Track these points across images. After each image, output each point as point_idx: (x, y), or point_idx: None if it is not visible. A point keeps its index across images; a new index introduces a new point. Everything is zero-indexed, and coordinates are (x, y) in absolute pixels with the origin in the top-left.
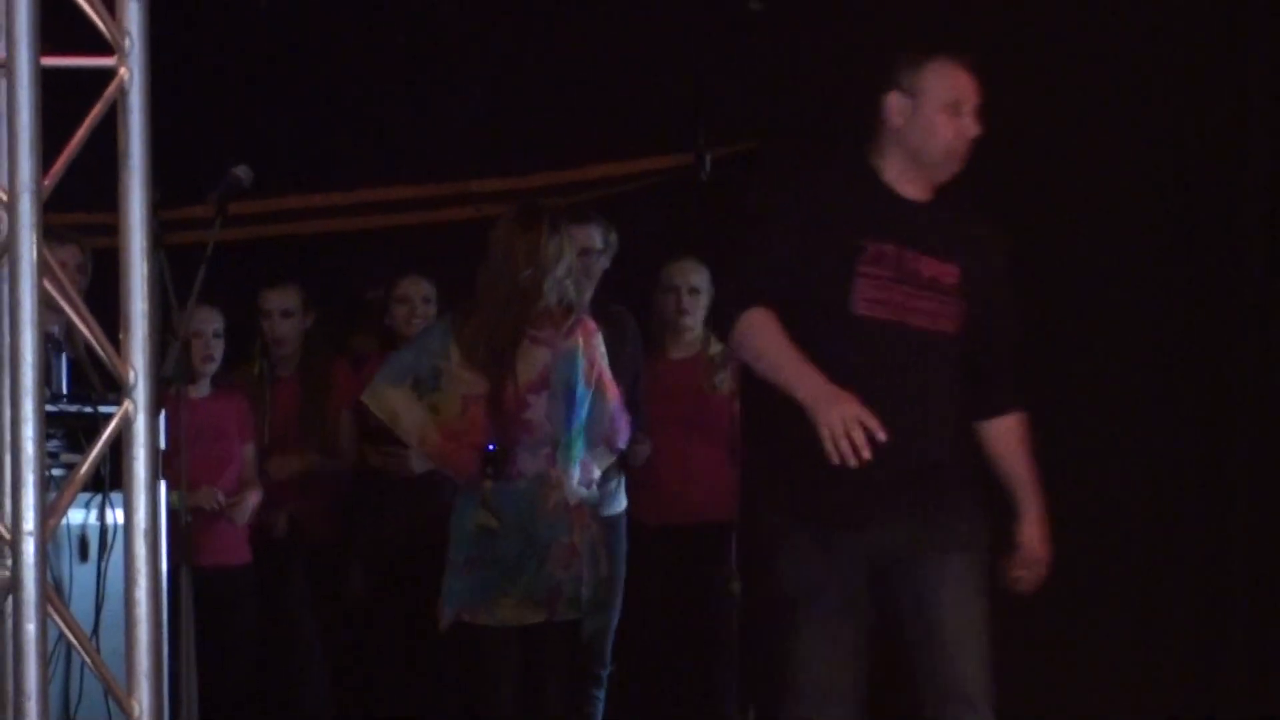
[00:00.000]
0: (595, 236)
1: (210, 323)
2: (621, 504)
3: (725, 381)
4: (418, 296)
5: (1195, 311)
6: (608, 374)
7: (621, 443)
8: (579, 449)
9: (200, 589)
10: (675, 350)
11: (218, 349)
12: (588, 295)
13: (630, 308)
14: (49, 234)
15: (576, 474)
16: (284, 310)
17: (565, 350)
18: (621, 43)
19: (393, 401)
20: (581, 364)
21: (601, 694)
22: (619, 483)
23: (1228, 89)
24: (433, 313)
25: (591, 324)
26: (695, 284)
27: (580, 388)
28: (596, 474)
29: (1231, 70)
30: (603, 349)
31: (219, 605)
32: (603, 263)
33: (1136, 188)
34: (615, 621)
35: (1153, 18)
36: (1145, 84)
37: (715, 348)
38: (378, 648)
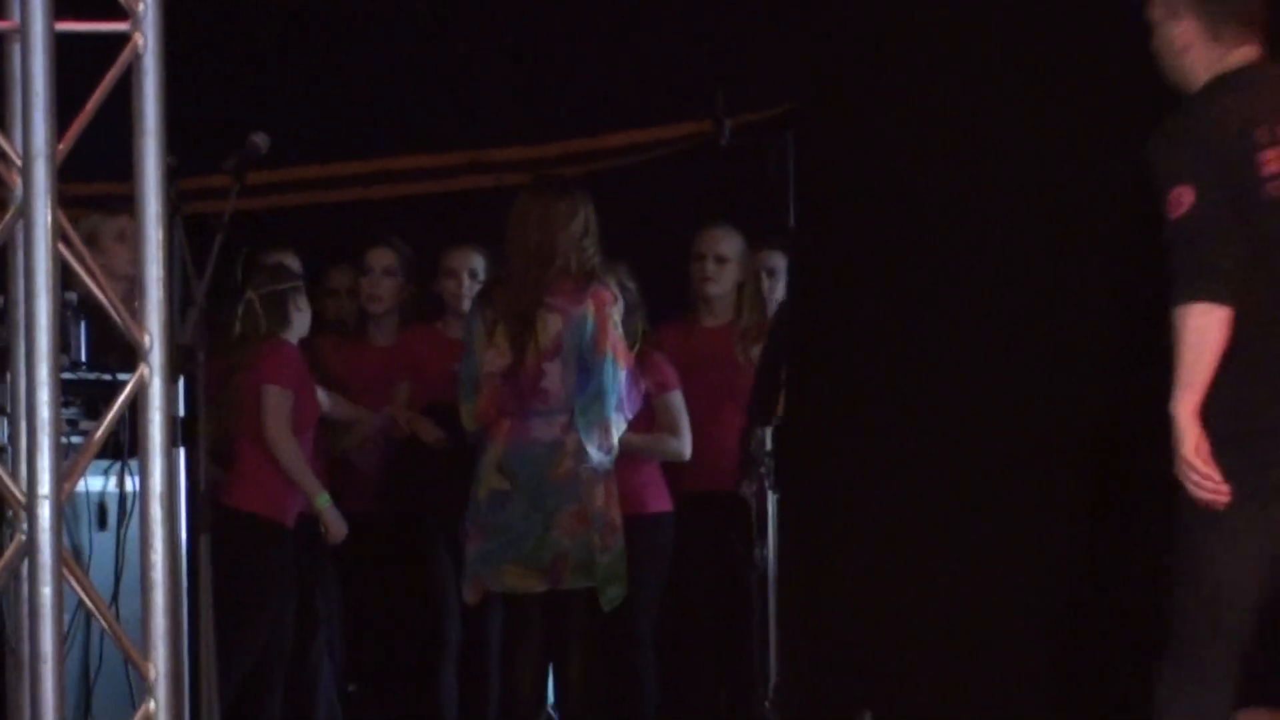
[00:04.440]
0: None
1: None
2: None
3: (758, 356)
4: (464, 269)
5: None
6: (621, 343)
7: (630, 411)
8: (597, 415)
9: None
10: (707, 318)
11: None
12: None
13: (659, 276)
14: (99, 206)
15: (596, 440)
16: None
17: (576, 316)
18: (640, 9)
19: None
20: (590, 330)
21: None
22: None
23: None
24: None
25: (607, 293)
26: (722, 252)
27: (589, 354)
28: (614, 440)
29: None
30: (616, 318)
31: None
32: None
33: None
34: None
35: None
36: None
37: (747, 319)
38: (396, 616)
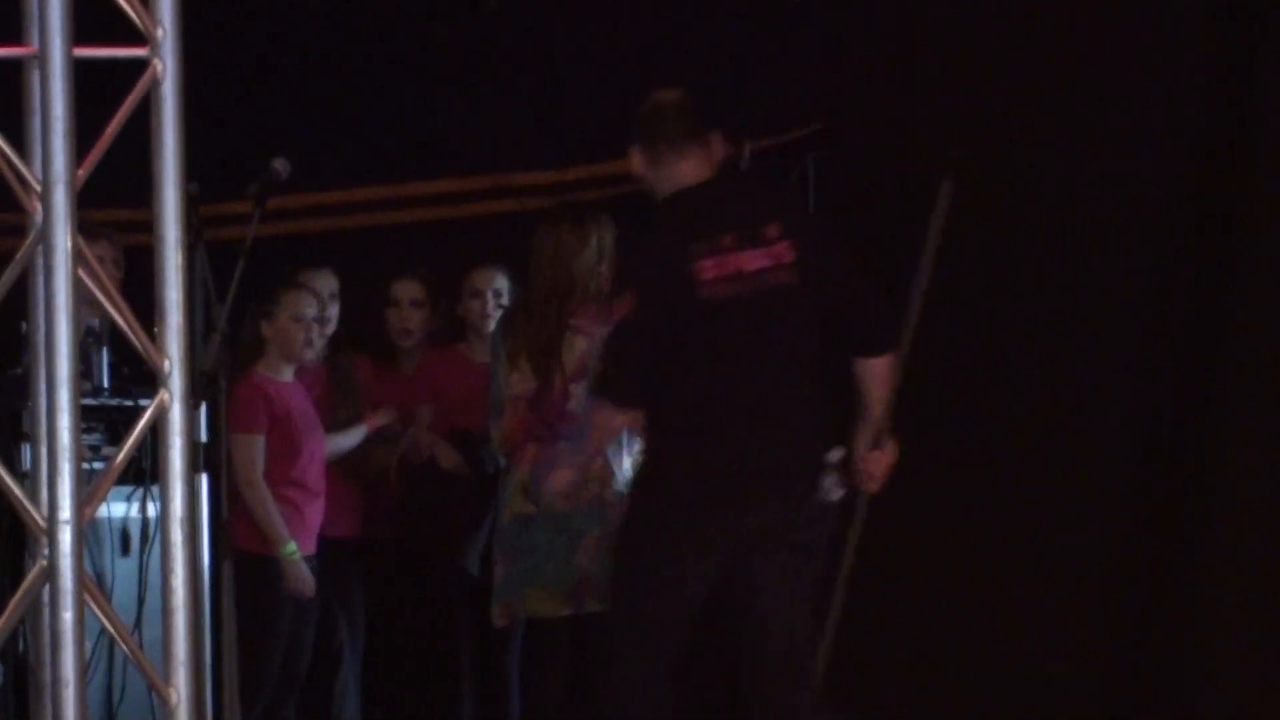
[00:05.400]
0: None
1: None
2: None
3: None
4: (489, 290)
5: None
6: None
7: None
8: (624, 439)
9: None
10: None
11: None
12: None
13: None
14: (80, 229)
15: (626, 463)
16: (333, 294)
17: (602, 338)
18: (661, 33)
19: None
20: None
21: None
22: None
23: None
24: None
25: None
26: None
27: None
28: (625, 462)
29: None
30: None
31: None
32: None
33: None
34: None
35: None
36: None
37: None
38: (418, 643)
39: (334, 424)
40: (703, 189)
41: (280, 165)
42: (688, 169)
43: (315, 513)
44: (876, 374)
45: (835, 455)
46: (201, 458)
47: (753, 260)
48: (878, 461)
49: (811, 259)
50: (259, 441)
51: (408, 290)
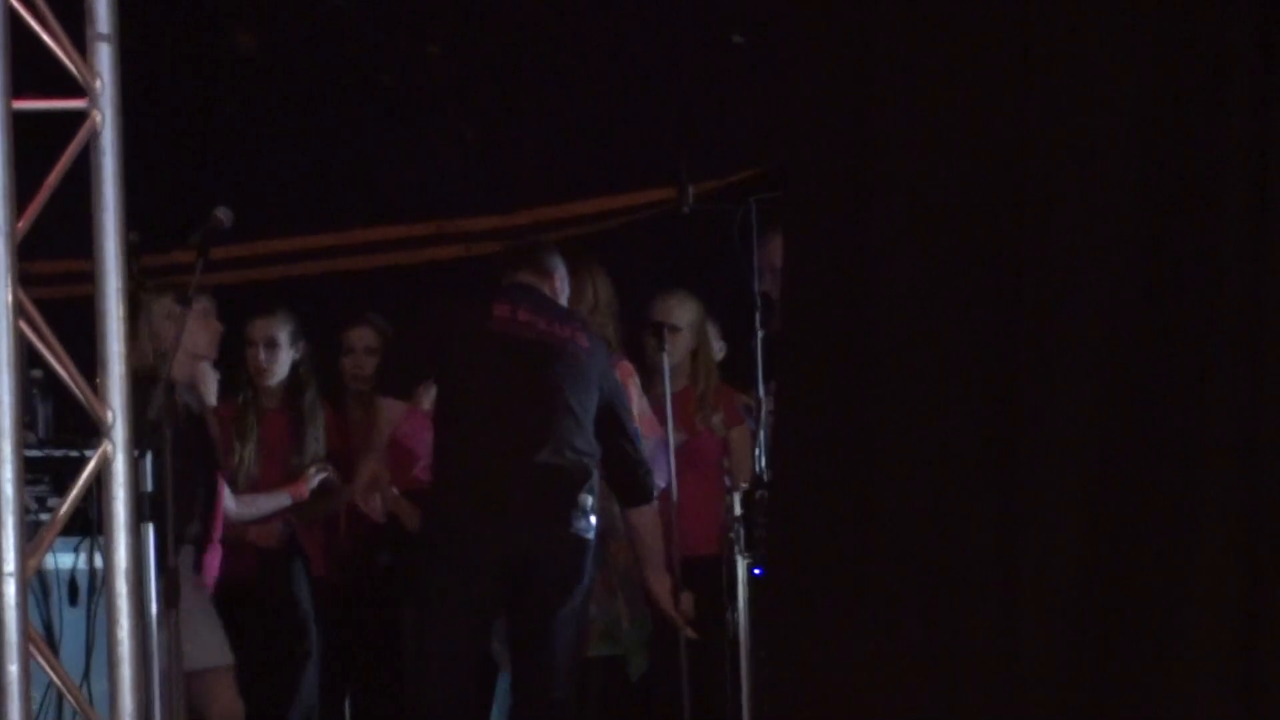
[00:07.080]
0: None
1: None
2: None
3: (719, 423)
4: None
5: None
6: (647, 413)
7: (661, 481)
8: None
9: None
10: (661, 385)
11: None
12: None
13: (625, 343)
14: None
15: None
16: (269, 339)
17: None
18: (606, 78)
19: None
20: (624, 399)
21: None
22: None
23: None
24: None
25: (628, 365)
26: (675, 321)
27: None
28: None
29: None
30: (639, 389)
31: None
32: None
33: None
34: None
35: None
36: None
37: (703, 384)
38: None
39: (289, 473)
40: (524, 286)
41: (222, 214)
42: (520, 278)
43: (213, 559)
44: (639, 529)
45: (587, 500)
46: (148, 507)
47: (546, 325)
48: (683, 610)
49: (602, 365)
50: None
51: (362, 338)
